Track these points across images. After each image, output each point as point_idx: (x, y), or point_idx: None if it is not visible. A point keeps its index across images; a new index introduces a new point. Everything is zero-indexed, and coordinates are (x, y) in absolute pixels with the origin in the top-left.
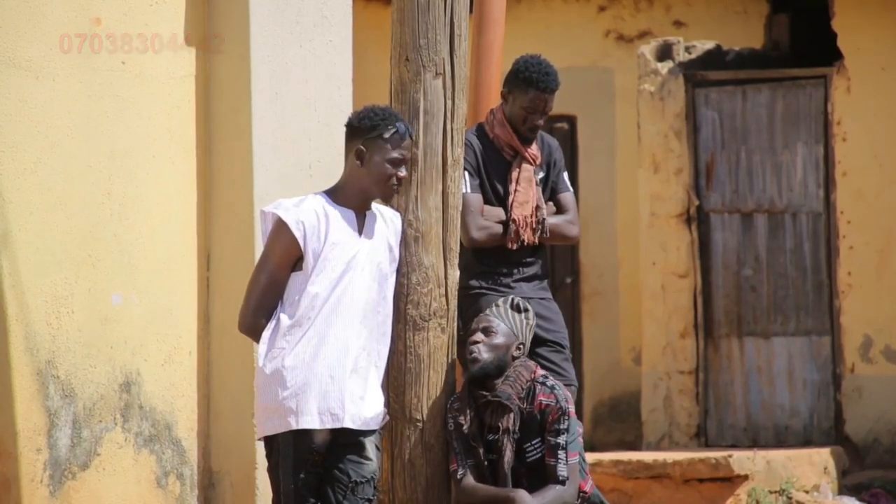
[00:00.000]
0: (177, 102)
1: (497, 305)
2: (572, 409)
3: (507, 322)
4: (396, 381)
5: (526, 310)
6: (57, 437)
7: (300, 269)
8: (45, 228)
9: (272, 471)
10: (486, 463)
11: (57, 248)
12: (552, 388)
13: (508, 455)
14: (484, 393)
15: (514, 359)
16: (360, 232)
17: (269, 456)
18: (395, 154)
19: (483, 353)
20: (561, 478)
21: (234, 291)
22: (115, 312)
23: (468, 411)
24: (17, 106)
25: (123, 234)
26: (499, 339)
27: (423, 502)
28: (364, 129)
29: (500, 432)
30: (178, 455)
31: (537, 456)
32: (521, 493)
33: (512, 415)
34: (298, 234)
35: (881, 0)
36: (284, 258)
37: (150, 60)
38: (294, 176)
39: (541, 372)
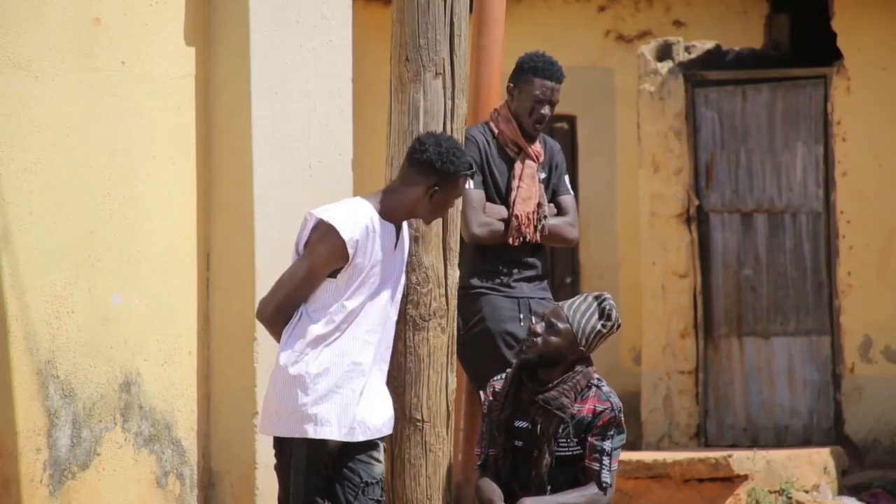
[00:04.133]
0: (177, 102)
1: (586, 300)
2: (623, 419)
3: (576, 322)
4: (396, 381)
5: (608, 317)
6: (57, 437)
7: (334, 276)
8: (45, 228)
9: (281, 470)
10: (511, 449)
11: (57, 248)
12: (608, 395)
13: (547, 458)
14: (538, 390)
15: (574, 362)
16: (395, 245)
17: (278, 455)
18: (458, 192)
19: (537, 345)
20: (604, 484)
21: (235, 291)
22: (115, 312)
23: (505, 399)
24: (17, 106)
25: (123, 234)
26: (555, 339)
27: (422, 502)
28: (445, 173)
29: (543, 434)
30: (178, 455)
31: (567, 453)
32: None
33: (561, 423)
34: (350, 252)
35: (881, 0)
36: (327, 266)
37: (150, 60)
38: (294, 176)
39: (597, 376)
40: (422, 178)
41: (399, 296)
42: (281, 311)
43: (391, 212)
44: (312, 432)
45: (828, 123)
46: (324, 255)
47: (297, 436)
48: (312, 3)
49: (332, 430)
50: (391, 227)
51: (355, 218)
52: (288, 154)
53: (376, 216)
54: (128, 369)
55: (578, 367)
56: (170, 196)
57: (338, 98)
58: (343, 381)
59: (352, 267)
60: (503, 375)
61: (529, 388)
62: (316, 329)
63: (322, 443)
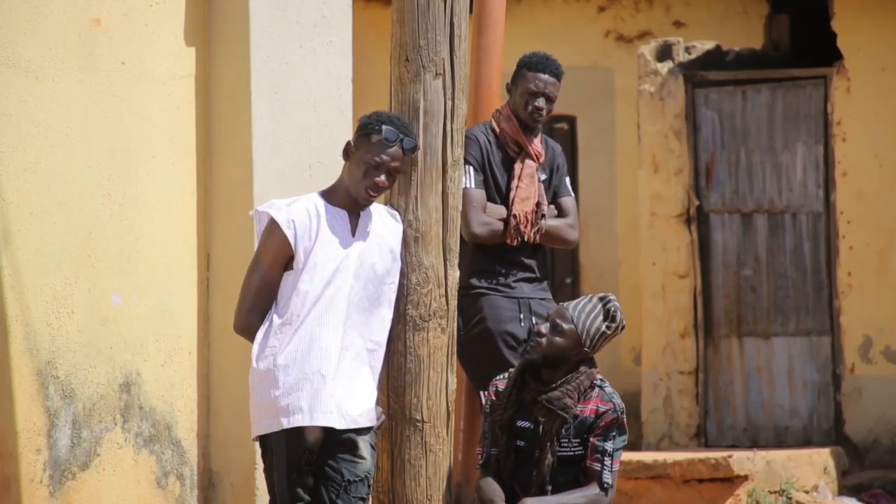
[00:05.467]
0: (177, 102)
1: (591, 301)
2: (625, 419)
3: (581, 323)
4: (396, 381)
5: (613, 319)
6: (57, 438)
7: (292, 268)
8: (45, 228)
9: (267, 471)
10: (513, 449)
11: (57, 248)
12: (611, 396)
13: (549, 458)
14: (542, 390)
15: (578, 363)
16: (353, 232)
17: (264, 455)
18: (374, 158)
19: (542, 345)
20: (605, 484)
21: (234, 292)
22: (115, 313)
23: (508, 399)
24: (17, 106)
25: (123, 234)
26: (560, 340)
27: (422, 503)
28: (359, 127)
29: (545, 434)
30: (178, 455)
31: (569, 453)
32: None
33: (563, 423)
34: (289, 233)
35: (881, 0)
36: (276, 257)
37: (150, 60)
38: (294, 176)
39: (599, 377)
40: (346, 146)
41: (385, 289)
42: (251, 317)
43: (336, 193)
44: (286, 423)
45: (828, 123)
46: (270, 246)
47: (273, 430)
48: (312, 3)
49: (304, 416)
50: (342, 213)
51: (294, 203)
52: (288, 154)
53: (321, 202)
54: (128, 370)
55: (582, 368)
56: (170, 196)
57: (338, 98)
58: (310, 369)
59: (300, 252)
60: (506, 375)
61: (532, 388)
62: (277, 319)
63: (299, 434)
